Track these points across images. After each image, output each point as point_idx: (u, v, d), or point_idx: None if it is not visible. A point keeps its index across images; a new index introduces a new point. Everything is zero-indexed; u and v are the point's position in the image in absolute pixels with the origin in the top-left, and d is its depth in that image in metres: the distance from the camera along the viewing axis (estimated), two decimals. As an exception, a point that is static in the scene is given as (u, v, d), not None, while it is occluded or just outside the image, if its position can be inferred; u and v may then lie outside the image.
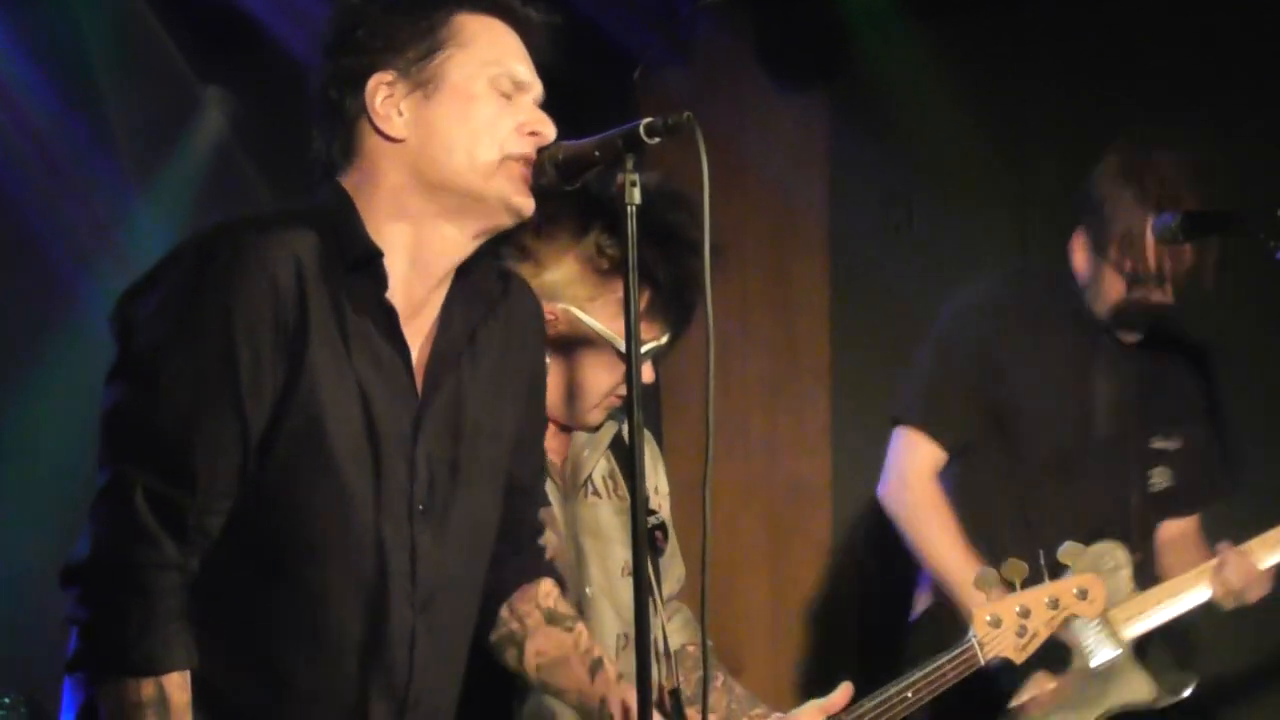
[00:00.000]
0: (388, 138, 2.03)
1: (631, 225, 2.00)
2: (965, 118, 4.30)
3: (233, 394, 1.84)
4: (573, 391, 2.68)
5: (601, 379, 2.64)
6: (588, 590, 2.81)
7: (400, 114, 2.03)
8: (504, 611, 2.30)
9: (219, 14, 3.98)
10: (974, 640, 2.93)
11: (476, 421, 2.05)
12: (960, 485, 3.59)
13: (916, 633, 3.53)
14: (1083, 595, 2.98)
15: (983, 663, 2.95)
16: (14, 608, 3.98)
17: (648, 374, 2.60)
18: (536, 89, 2.09)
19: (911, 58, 4.53)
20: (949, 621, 3.28)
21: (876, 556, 4.18)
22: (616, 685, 2.43)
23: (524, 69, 2.10)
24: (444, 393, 2.01)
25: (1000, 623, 2.94)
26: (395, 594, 1.97)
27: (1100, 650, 3.53)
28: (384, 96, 2.03)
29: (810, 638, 4.67)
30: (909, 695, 2.93)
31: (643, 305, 2.49)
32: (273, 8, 3.96)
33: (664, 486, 2.98)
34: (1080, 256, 3.44)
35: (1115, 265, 3.35)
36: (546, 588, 2.40)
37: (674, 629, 2.94)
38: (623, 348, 2.46)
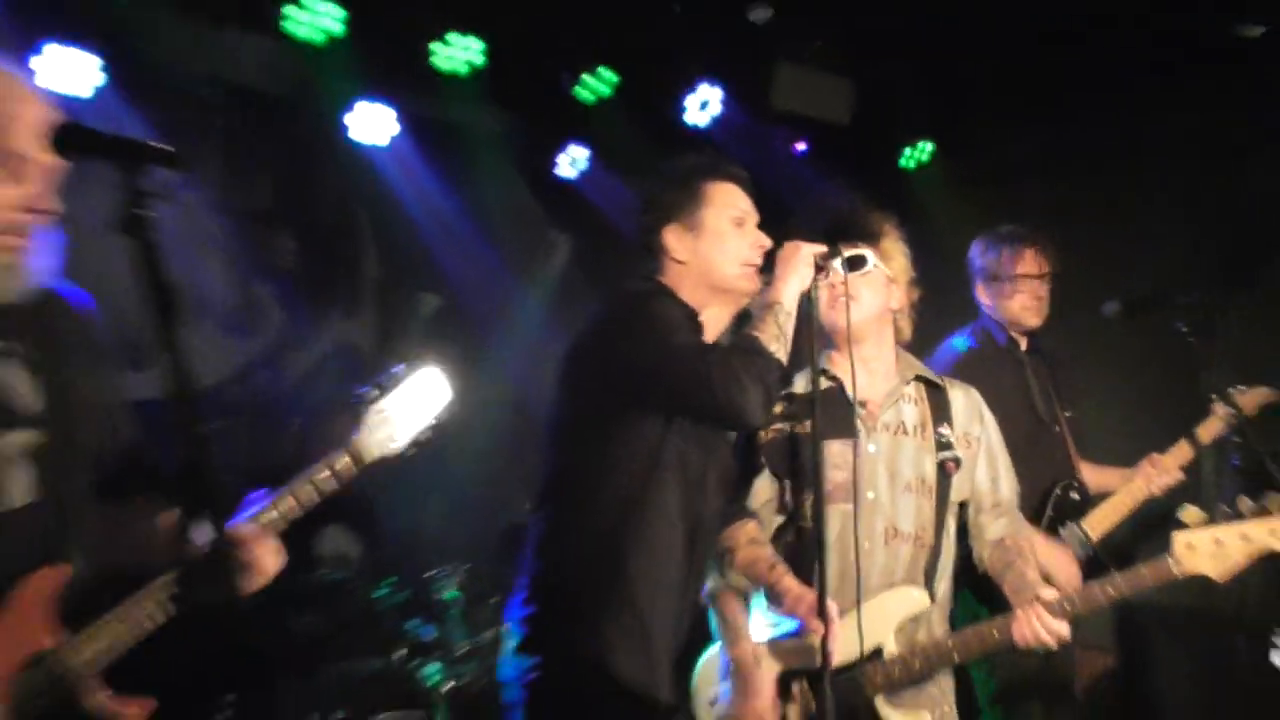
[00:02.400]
0: (678, 262, 3.12)
1: (819, 309, 3.12)
2: None
3: None
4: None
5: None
6: (870, 495, 3.41)
7: (681, 247, 3.10)
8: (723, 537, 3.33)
9: (559, 189, 6.34)
10: (1168, 556, 3.32)
11: None
12: None
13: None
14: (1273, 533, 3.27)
15: (1176, 574, 3.32)
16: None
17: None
18: (755, 216, 3.11)
19: (955, 210, 5.90)
20: None
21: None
22: (782, 577, 3.28)
23: (747, 206, 3.12)
24: None
25: (1194, 548, 3.29)
26: None
27: None
28: (673, 239, 3.11)
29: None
30: (1110, 590, 3.31)
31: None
32: (591, 188, 6.23)
33: (974, 431, 3.51)
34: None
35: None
36: (754, 526, 3.43)
37: (1000, 525, 3.52)
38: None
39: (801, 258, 3.06)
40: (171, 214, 1.98)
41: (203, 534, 2.24)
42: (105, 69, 4.77)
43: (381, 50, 5.43)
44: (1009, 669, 4.08)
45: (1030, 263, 4.40)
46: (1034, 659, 3.72)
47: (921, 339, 5.92)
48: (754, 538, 3.39)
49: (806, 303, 3.04)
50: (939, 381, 3.55)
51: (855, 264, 3.31)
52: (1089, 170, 5.51)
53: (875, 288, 3.40)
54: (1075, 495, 4.26)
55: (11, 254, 2.22)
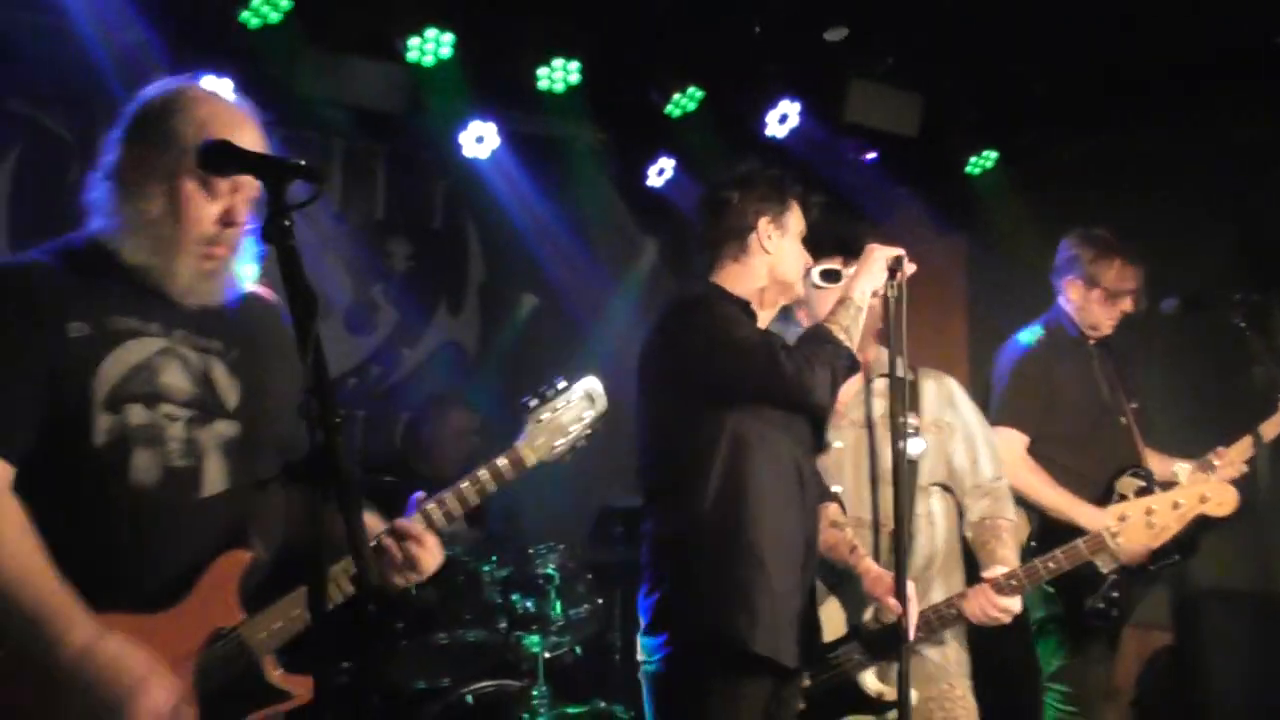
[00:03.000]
0: (763, 249, 3.31)
1: (893, 311, 3.11)
2: (1047, 246, 4.93)
3: None
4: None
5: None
6: (837, 489, 3.57)
7: (768, 236, 3.30)
8: None
9: (648, 197, 6.58)
10: (1104, 529, 3.57)
11: None
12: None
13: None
14: (1203, 500, 3.55)
15: (1110, 544, 3.58)
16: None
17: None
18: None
19: (1013, 213, 6.19)
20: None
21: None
22: (862, 559, 3.40)
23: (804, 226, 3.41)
24: None
25: (1126, 518, 3.54)
26: None
27: None
28: (764, 226, 3.29)
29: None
30: (1050, 565, 3.56)
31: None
32: (678, 196, 6.40)
33: (944, 417, 3.61)
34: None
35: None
36: (834, 508, 3.52)
37: (981, 506, 3.61)
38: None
39: (876, 259, 3.20)
40: (298, 222, 1.96)
41: (373, 525, 2.42)
42: (236, 91, 4.90)
43: (487, 72, 5.63)
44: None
45: (1132, 279, 4.49)
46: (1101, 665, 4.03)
47: (984, 334, 6.13)
48: (834, 520, 3.47)
49: (889, 301, 3.18)
50: (903, 375, 3.45)
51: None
52: (1141, 173, 5.62)
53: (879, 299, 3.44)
54: (1142, 482, 4.30)
55: (215, 263, 2.37)
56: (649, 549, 3.23)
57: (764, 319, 3.36)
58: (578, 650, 5.09)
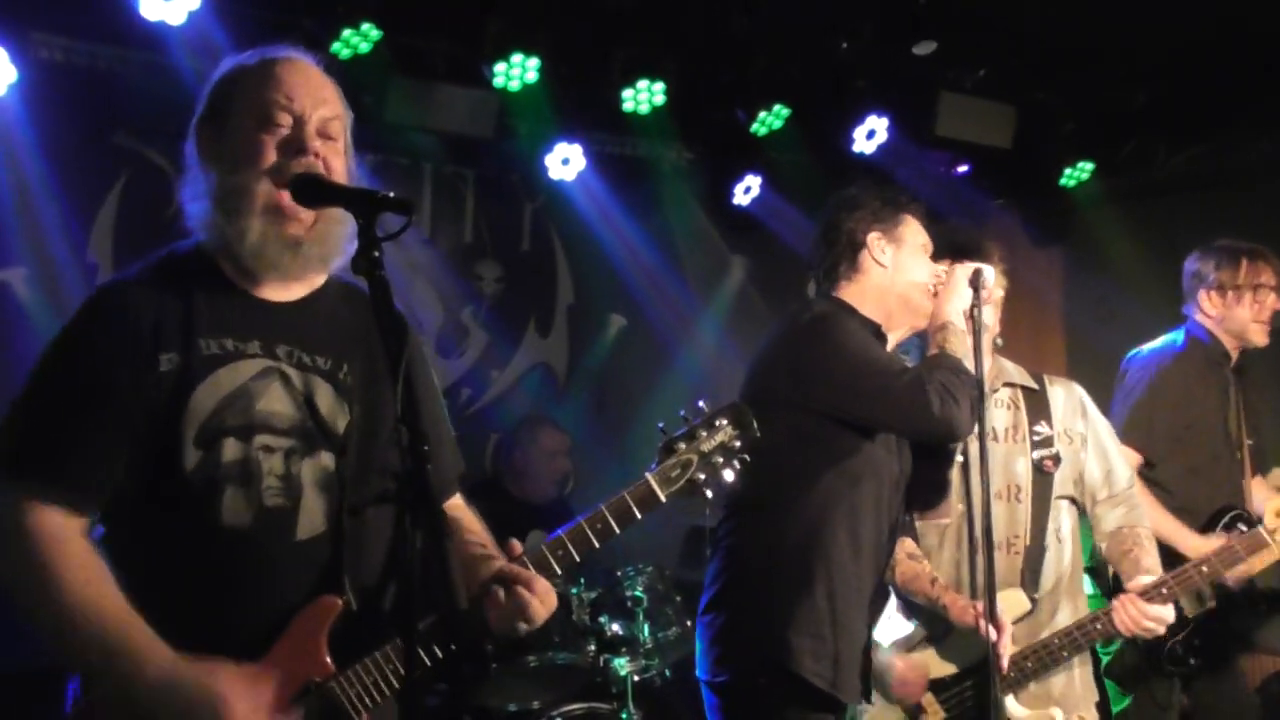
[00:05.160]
0: (878, 263, 3.23)
1: (978, 314, 3.09)
2: (1146, 259, 5.61)
3: None
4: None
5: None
6: (960, 508, 3.37)
7: (881, 252, 3.23)
8: None
9: (735, 215, 6.57)
10: (1261, 526, 3.52)
11: None
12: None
13: None
14: None
15: (1269, 541, 3.52)
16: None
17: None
18: (930, 250, 3.29)
19: (1111, 225, 6.26)
20: None
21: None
22: (945, 591, 3.26)
23: (928, 240, 3.30)
24: None
25: None
26: None
27: None
28: (875, 242, 3.22)
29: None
30: (1204, 569, 3.45)
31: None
32: (764, 214, 6.43)
33: (1076, 426, 3.47)
34: None
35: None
36: (909, 542, 3.39)
37: (1117, 515, 3.47)
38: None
39: (958, 278, 3.17)
40: (388, 247, 1.93)
41: (485, 569, 2.25)
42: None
43: (572, 95, 5.72)
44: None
45: (1267, 274, 4.37)
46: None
47: (1082, 352, 6.09)
48: (911, 552, 3.39)
49: (974, 318, 3.13)
50: (1034, 385, 3.52)
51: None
52: (1248, 185, 5.57)
53: (992, 305, 3.40)
54: (1243, 526, 4.13)
55: (294, 226, 2.22)
56: (722, 564, 3.18)
57: (892, 341, 3.31)
58: (667, 673, 5.05)
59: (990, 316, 3.37)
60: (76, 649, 2.11)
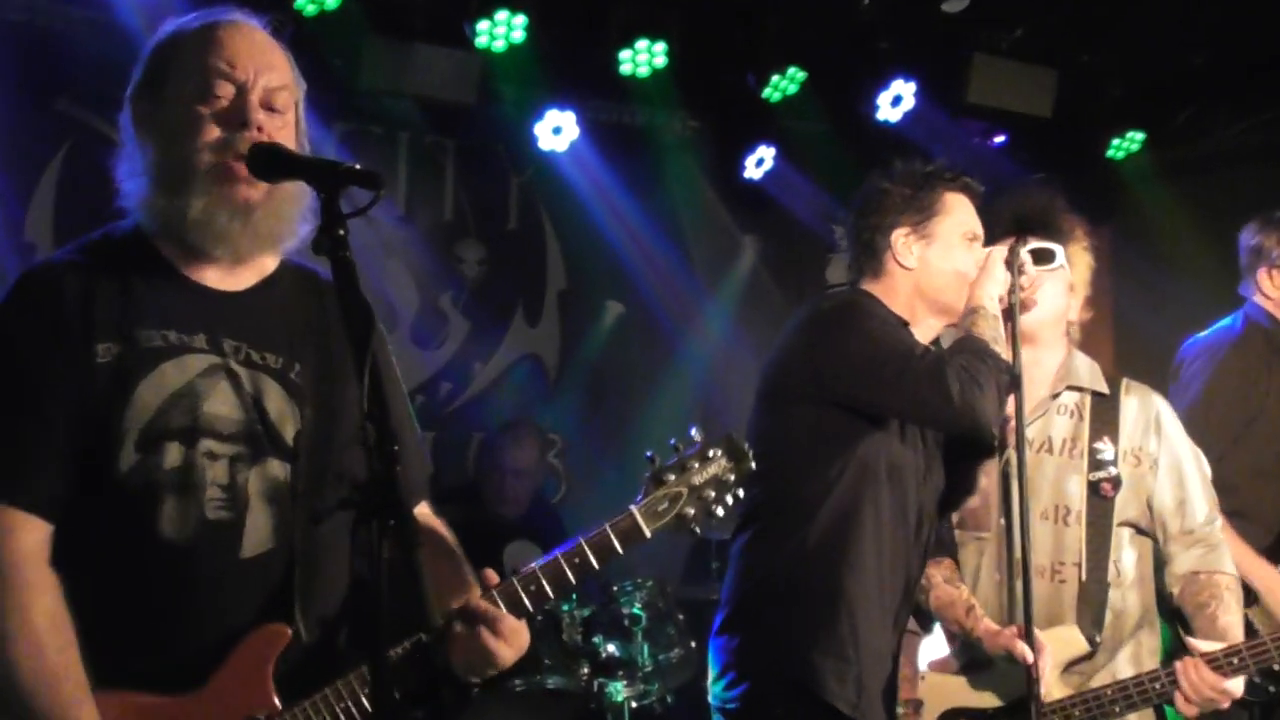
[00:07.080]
0: (902, 266, 3.09)
1: (1015, 298, 3.01)
2: (1202, 240, 5.37)
3: None
4: None
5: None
6: (1001, 521, 3.29)
7: (908, 252, 3.08)
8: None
9: (745, 190, 6.41)
10: None
11: None
12: None
13: None
14: None
15: None
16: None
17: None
18: (982, 237, 3.11)
19: (1163, 202, 6.13)
20: None
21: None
22: (980, 620, 3.19)
23: (978, 225, 3.11)
24: None
25: None
26: None
27: None
28: (900, 241, 3.07)
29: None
30: None
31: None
32: (779, 189, 6.32)
33: (1147, 446, 3.30)
34: None
35: None
36: (949, 564, 3.33)
37: (1193, 557, 3.31)
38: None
39: (994, 259, 3.07)
40: (357, 226, 1.89)
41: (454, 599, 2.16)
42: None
43: (564, 56, 5.56)
44: None
45: None
46: None
47: (1132, 338, 5.88)
48: (949, 576, 3.32)
49: (1011, 303, 3.04)
50: (1105, 390, 3.34)
51: (1041, 258, 3.20)
52: None
53: (1057, 289, 3.27)
54: None
55: (239, 193, 2.16)
56: (737, 579, 3.15)
57: (927, 336, 3.21)
58: (669, 699, 4.94)
59: (1055, 301, 3.23)
60: (16, 714, 2.07)
